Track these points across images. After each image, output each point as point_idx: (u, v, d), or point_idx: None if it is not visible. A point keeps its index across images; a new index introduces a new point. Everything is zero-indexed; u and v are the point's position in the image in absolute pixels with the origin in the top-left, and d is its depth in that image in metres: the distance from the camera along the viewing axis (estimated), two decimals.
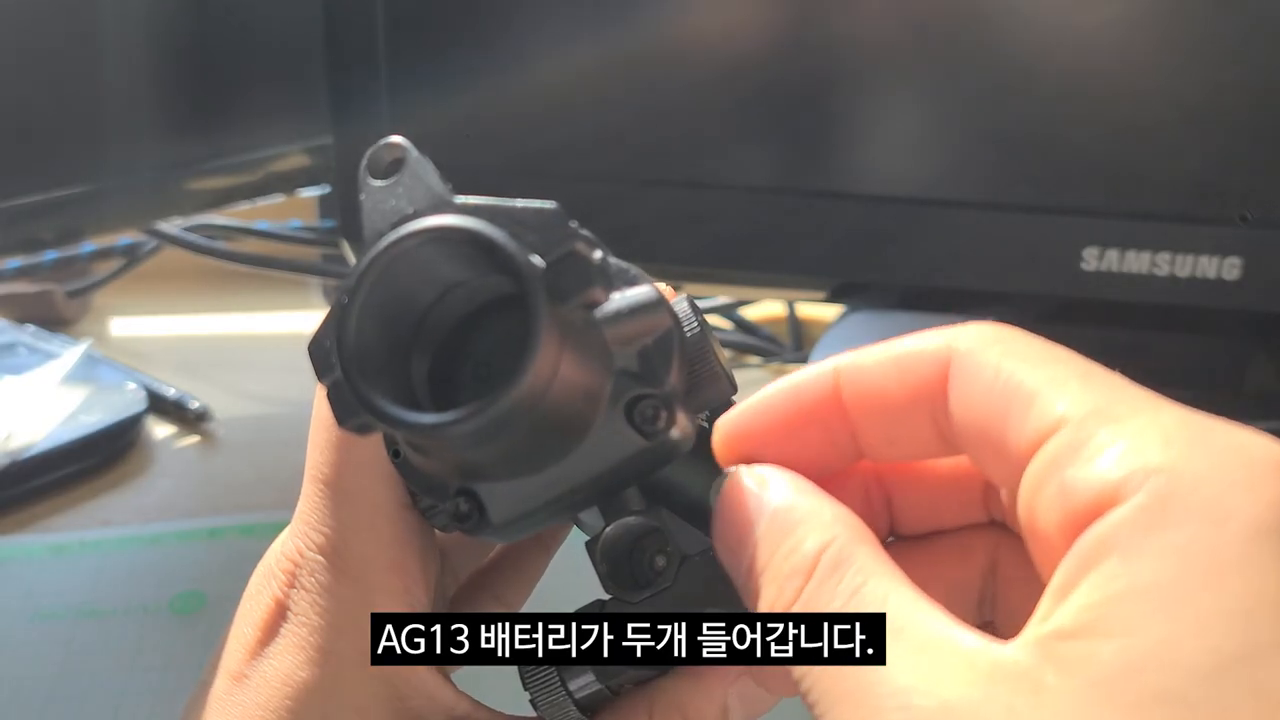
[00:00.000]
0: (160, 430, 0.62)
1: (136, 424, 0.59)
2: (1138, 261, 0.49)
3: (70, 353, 0.62)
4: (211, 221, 0.73)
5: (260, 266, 0.73)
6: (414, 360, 0.21)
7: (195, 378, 0.67)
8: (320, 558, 0.24)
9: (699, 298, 0.78)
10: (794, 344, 0.73)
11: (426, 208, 0.21)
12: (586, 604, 0.25)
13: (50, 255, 0.72)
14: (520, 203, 0.20)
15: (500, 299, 0.22)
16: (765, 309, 0.77)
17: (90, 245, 0.74)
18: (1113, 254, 0.49)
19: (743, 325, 0.74)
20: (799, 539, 0.20)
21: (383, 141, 0.22)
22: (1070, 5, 0.47)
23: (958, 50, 0.48)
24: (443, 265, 0.21)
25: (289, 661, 0.24)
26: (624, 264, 0.22)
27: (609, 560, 0.23)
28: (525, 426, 0.20)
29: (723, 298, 0.73)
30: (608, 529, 0.23)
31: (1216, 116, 0.48)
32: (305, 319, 0.78)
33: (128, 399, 0.60)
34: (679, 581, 0.23)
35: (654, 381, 0.21)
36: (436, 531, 0.26)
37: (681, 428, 0.22)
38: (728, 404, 0.23)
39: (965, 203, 0.50)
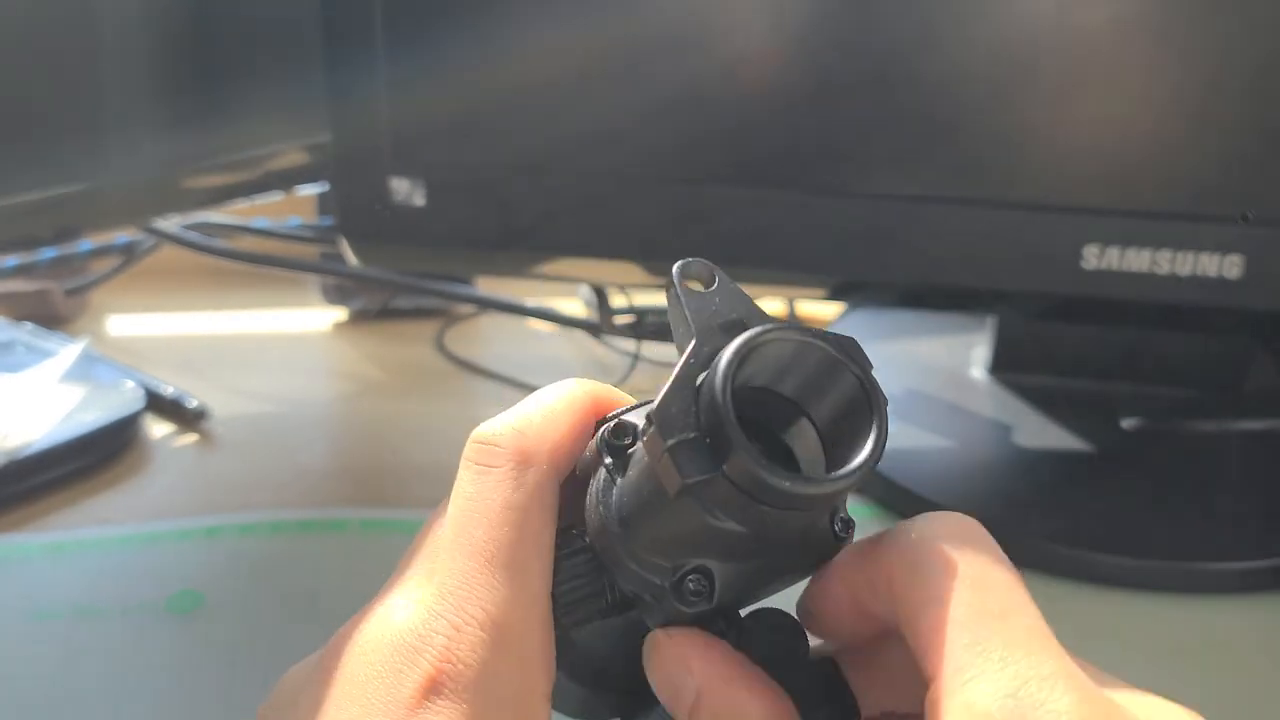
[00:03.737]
0: (158, 429, 0.62)
1: (134, 422, 0.59)
2: (1138, 260, 0.49)
3: (68, 351, 0.62)
4: (210, 219, 0.73)
5: (259, 264, 0.73)
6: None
7: (193, 376, 0.67)
8: (482, 634, 0.25)
9: None
10: None
11: (748, 316, 0.25)
12: None
13: (48, 253, 0.72)
14: (828, 331, 0.24)
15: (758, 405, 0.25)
16: (765, 307, 0.76)
17: (88, 243, 0.74)
18: (1113, 252, 0.49)
19: None
20: None
21: (693, 260, 0.26)
22: (1071, 3, 0.47)
23: (957, 49, 0.48)
24: (782, 365, 0.24)
25: None
26: None
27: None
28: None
29: None
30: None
31: (1217, 114, 0.47)
32: (304, 317, 0.78)
33: (125, 397, 0.59)
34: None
35: (845, 498, 0.25)
36: None
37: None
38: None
39: (965, 201, 0.50)
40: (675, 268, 0.25)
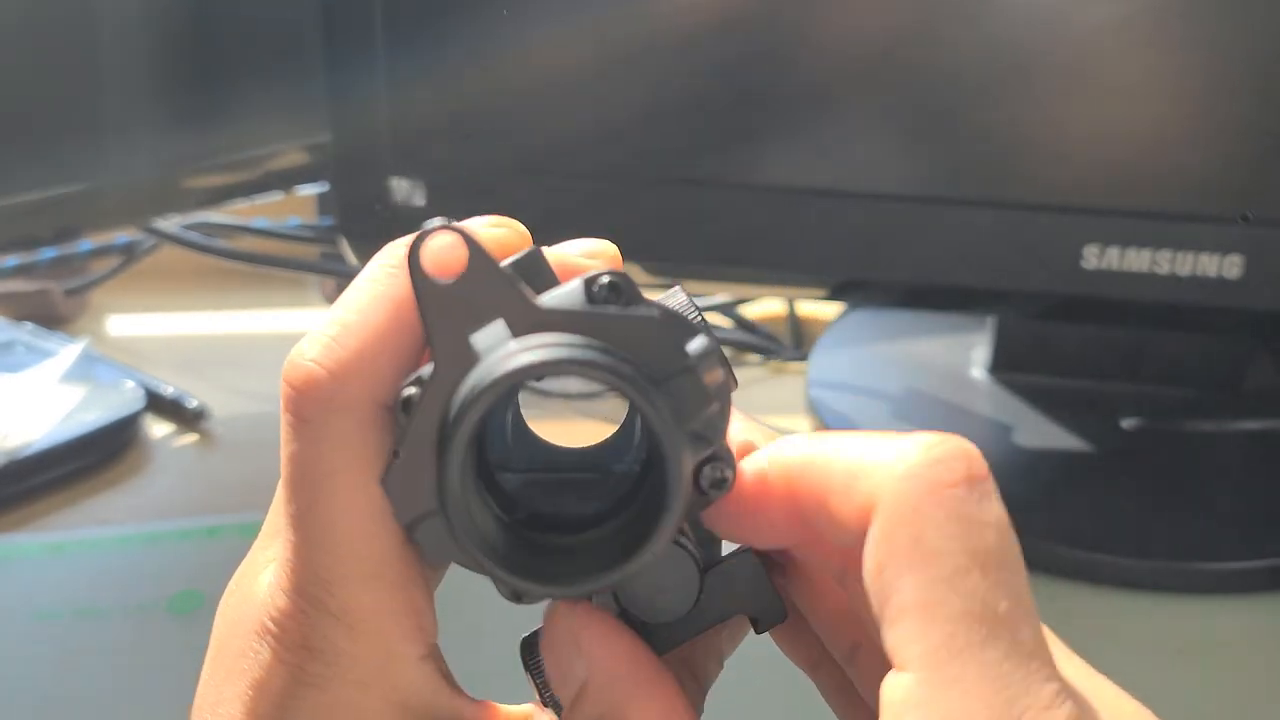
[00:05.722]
0: (158, 429, 0.62)
1: (134, 422, 0.59)
2: (1138, 259, 0.49)
3: (68, 351, 0.62)
4: (209, 219, 0.73)
5: (258, 264, 0.73)
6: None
7: (193, 376, 0.67)
8: (331, 618, 0.22)
9: (698, 296, 0.78)
10: (794, 342, 0.73)
11: (517, 319, 0.19)
12: None
13: (48, 253, 0.72)
14: (618, 313, 0.19)
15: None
16: (765, 307, 0.76)
17: (88, 243, 0.74)
18: (1113, 252, 0.49)
19: (742, 323, 0.74)
20: None
21: (431, 227, 0.19)
22: (1071, 3, 0.47)
23: (958, 48, 0.48)
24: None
25: None
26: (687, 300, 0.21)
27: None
28: None
29: (722, 296, 0.73)
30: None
31: (1217, 114, 0.47)
32: (304, 317, 0.78)
33: (125, 397, 0.59)
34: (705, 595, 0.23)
35: (715, 437, 0.20)
36: None
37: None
38: None
39: (965, 201, 0.50)
40: (410, 244, 0.20)
